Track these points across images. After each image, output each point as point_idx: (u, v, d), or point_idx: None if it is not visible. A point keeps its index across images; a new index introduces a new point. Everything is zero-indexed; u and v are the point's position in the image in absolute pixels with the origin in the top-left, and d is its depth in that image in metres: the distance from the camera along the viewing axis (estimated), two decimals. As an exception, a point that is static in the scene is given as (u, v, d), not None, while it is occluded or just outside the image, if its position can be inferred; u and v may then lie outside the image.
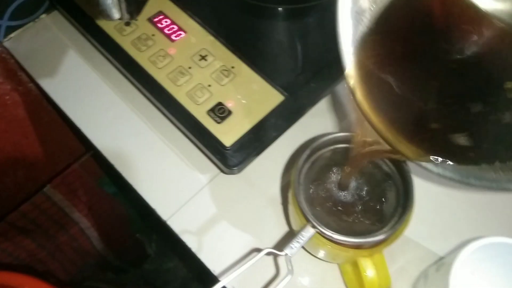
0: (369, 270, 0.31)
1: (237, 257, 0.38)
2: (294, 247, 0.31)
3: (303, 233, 0.31)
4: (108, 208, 0.74)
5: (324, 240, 0.30)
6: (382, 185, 0.33)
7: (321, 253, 0.35)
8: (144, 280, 0.95)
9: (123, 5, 0.24)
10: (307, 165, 0.32)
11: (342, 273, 0.37)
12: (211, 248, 0.39)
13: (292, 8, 0.45)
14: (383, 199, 0.33)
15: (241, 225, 0.40)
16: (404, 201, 0.31)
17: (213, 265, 0.38)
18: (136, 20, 0.27)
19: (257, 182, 0.41)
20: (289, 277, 0.28)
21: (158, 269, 1.00)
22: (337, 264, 0.37)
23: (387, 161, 0.33)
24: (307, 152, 0.32)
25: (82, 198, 0.66)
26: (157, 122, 0.43)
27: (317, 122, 0.44)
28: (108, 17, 0.25)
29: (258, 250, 0.35)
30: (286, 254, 0.30)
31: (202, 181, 0.41)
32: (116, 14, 0.25)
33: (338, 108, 0.45)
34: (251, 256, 0.32)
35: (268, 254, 0.30)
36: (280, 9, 0.45)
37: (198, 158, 0.42)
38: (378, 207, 0.33)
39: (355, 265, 0.32)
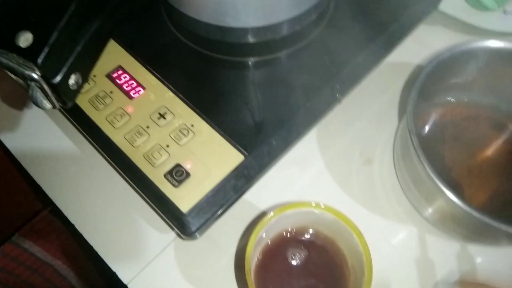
0: None
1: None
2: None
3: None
4: (83, 246, 0.73)
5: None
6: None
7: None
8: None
9: (52, 97, 0.23)
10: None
11: None
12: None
13: (257, 60, 0.44)
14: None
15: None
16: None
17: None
18: (73, 103, 0.26)
19: (220, 242, 0.40)
20: None
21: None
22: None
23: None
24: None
25: (54, 242, 0.65)
26: (117, 182, 0.42)
27: (282, 175, 0.43)
28: (39, 107, 0.24)
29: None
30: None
31: (164, 242, 0.40)
32: (47, 105, 0.24)
33: (302, 161, 0.44)
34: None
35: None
36: (245, 61, 0.44)
37: (159, 218, 0.41)
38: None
39: None
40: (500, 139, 0.42)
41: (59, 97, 0.24)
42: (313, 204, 0.33)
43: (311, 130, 0.42)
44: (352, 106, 0.46)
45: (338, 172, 0.43)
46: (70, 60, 0.23)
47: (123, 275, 0.39)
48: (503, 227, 0.30)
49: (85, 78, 0.25)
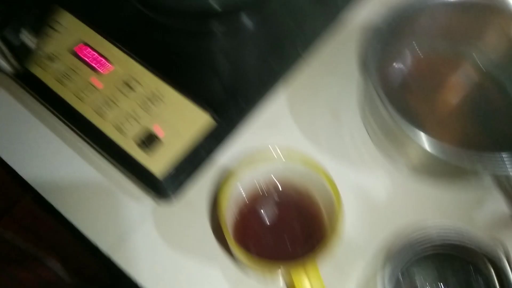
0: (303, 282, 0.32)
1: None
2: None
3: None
4: (68, 234, 0.72)
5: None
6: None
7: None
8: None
9: (10, 57, 0.23)
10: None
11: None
12: (158, 281, 0.38)
13: (221, 27, 0.44)
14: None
15: (186, 252, 0.39)
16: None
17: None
18: (25, 67, 0.26)
19: (198, 205, 0.41)
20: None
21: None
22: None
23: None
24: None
25: (37, 232, 0.64)
26: (92, 156, 0.43)
27: (254, 138, 0.44)
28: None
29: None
30: None
31: (143, 209, 0.41)
32: (5, 65, 0.24)
33: (273, 123, 0.45)
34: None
35: None
36: (209, 29, 0.45)
37: (136, 187, 0.42)
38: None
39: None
40: (466, 86, 0.44)
41: (14, 55, 0.24)
42: (278, 150, 0.34)
43: (279, 89, 0.43)
44: (318, 66, 0.47)
45: (309, 130, 0.44)
46: (19, 13, 0.23)
47: (104, 246, 0.40)
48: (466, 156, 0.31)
49: (36, 34, 0.25)
